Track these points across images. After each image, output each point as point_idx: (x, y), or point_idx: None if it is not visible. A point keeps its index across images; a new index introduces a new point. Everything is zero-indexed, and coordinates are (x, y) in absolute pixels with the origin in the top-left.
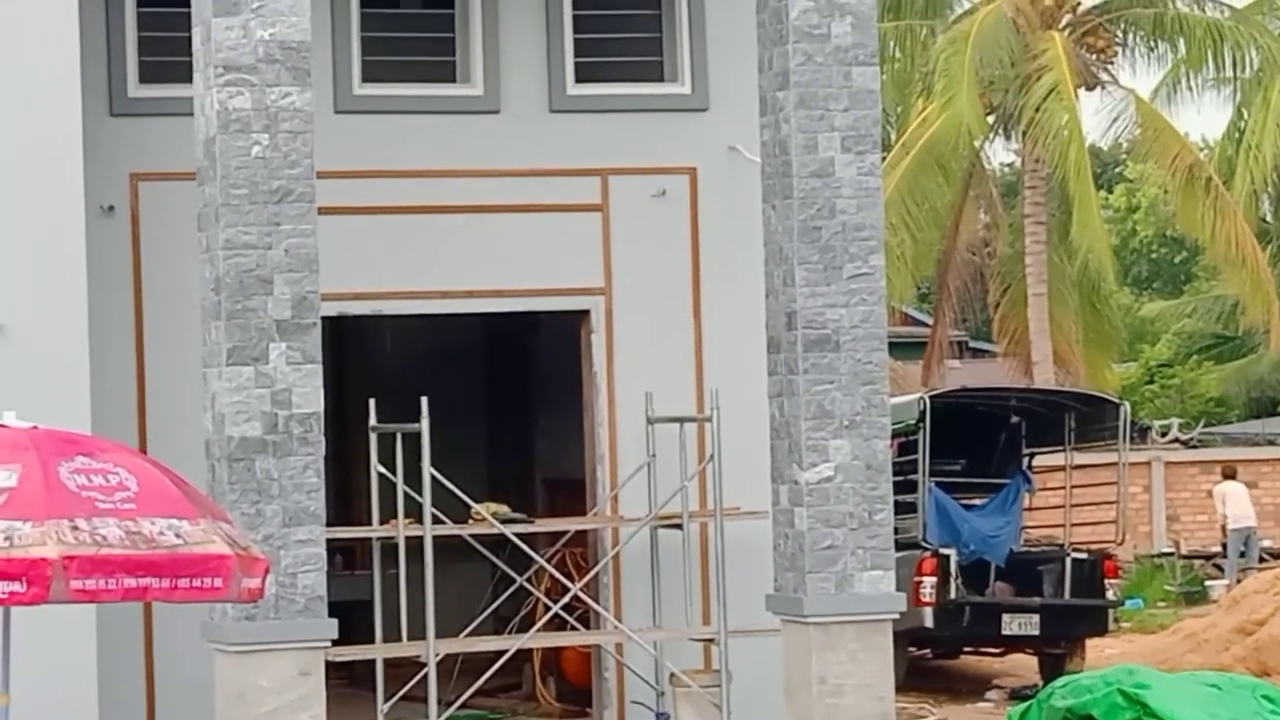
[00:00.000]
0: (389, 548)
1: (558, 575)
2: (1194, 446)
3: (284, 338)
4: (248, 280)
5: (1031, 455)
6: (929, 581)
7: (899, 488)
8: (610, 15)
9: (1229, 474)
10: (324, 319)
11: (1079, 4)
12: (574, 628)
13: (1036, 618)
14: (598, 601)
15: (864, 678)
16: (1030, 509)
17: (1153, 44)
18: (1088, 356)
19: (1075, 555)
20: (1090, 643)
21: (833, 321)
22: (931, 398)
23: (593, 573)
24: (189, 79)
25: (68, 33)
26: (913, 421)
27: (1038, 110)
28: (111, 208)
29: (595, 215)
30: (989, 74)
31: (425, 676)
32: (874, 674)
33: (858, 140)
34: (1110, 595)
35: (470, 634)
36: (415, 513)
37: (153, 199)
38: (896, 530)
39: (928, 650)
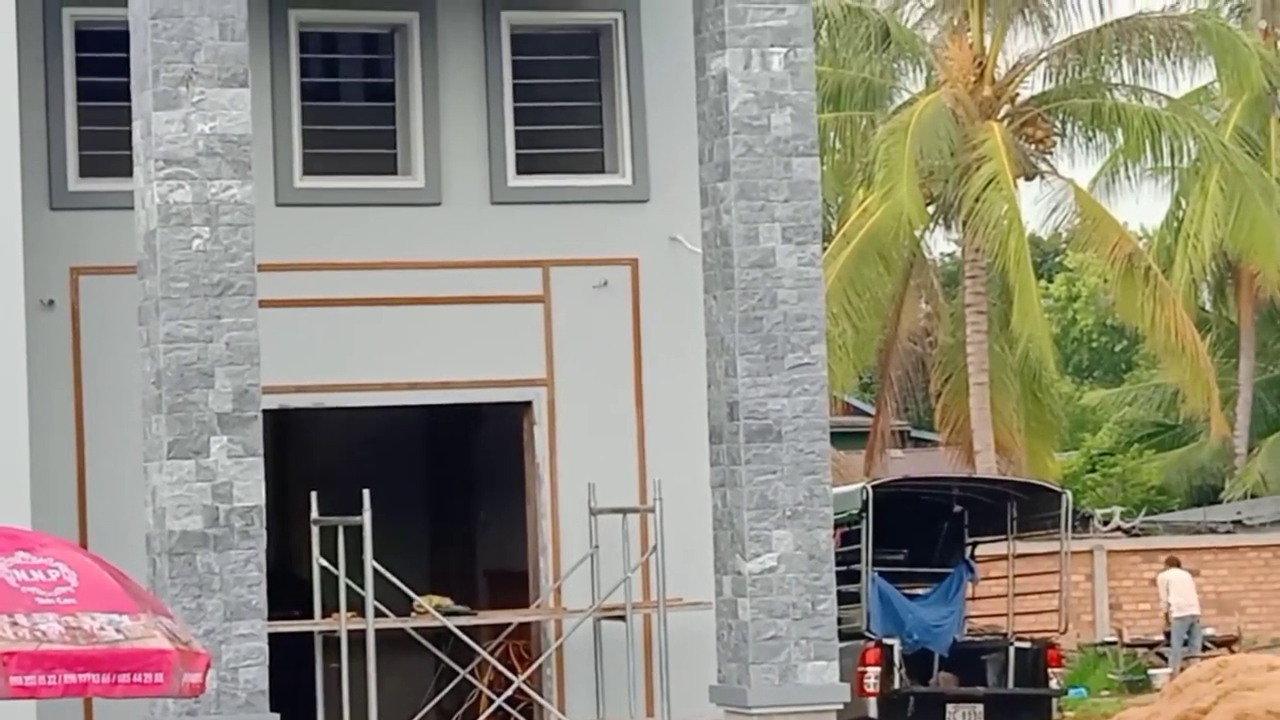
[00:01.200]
0: (332, 640)
1: (501, 668)
2: (1136, 535)
3: (225, 431)
4: (188, 374)
5: (974, 544)
6: (873, 671)
7: (842, 577)
8: (551, 107)
9: (1173, 562)
10: (265, 412)
11: (1017, 95)
12: None
13: (980, 708)
14: (541, 694)
15: None
16: (973, 598)
17: (1091, 134)
18: (1029, 445)
19: (1019, 644)
20: None
21: (775, 411)
22: (874, 487)
23: (536, 665)
24: (129, 173)
25: (7, 126)
26: (855, 511)
27: (977, 200)
28: (52, 302)
29: (537, 306)
30: (929, 164)
31: None
32: None
33: (798, 231)
34: (1054, 684)
35: None
36: (358, 606)
37: (93, 293)
38: (840, 620)
39: None
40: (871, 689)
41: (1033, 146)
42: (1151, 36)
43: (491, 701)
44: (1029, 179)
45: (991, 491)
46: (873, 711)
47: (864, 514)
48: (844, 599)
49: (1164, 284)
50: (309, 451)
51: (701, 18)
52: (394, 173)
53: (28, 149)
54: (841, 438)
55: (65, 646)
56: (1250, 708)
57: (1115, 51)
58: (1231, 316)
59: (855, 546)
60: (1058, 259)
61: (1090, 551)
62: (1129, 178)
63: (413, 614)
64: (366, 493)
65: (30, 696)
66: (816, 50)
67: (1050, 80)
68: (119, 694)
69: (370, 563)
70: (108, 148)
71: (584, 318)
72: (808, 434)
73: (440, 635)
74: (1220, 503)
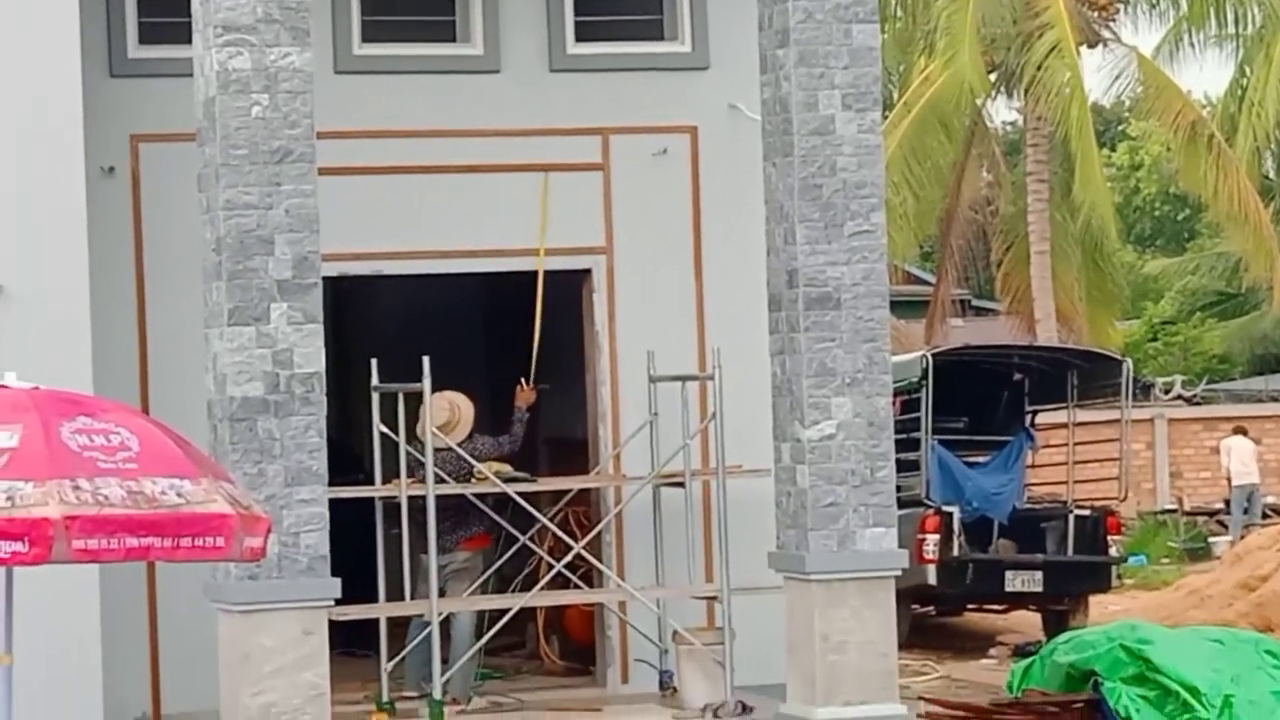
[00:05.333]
0: (392, 507)
1: (560, 534)
2: (1197, 403)
3: (285, 298)
4: (248, 240)
5: (1034, 413)
6: (932, 539)
7: (901, 445)
8: None
9: (1239, 430)
10: (325, 279)
11: None
12: (577, 586)
13: (1040, 574)
14: (600, 560)
15: (867, 635)
16: (1033, 466)
17: (1155, 1)
18: (1091, 314)
19: (1078, 512)
20: (1093, 599)
21: (834, 279)
22: (934, 355)
23: (595, 531)
24: (189, 40)
25: None
26: (915, 379)
27: (1040, 68)
28: (112, 169)
29: (596, 174)
30: (991, 32)
31: (428, 635)
32: (877, 631)
33: (858, 98)
34: (1113, 552)
35: (473, 593)
36: (418, 472)
37: (153, 160)
38: (899, 488)
39: (931, 607)
40: (930, 556)
41: (1096, 13)
42: None
43: (551, 567)
44: (1092, 46)
45: (1052, 360)
46: (931, 579)
47: (924, 382)
48: (903, 466)
49: (1227, 152)
50: (368, 319)
51: None
52: (453, 39)
53: (87, 16)
54: (902, 306)
55: (127, 511)
56: None
57: None
58: None
59: (915, 414)
60: (1120, 127)
61: (1151, 420)
62: (1193, 45)
63: (473, 480)
64: (426, 360)
65: (92, 560)
66: None
67: None
68: (181, 558)
69: (430, 429)
70: (167, 14)
71: (643, 185)
72: (867, 301)
73: (500, 502)
74: None
